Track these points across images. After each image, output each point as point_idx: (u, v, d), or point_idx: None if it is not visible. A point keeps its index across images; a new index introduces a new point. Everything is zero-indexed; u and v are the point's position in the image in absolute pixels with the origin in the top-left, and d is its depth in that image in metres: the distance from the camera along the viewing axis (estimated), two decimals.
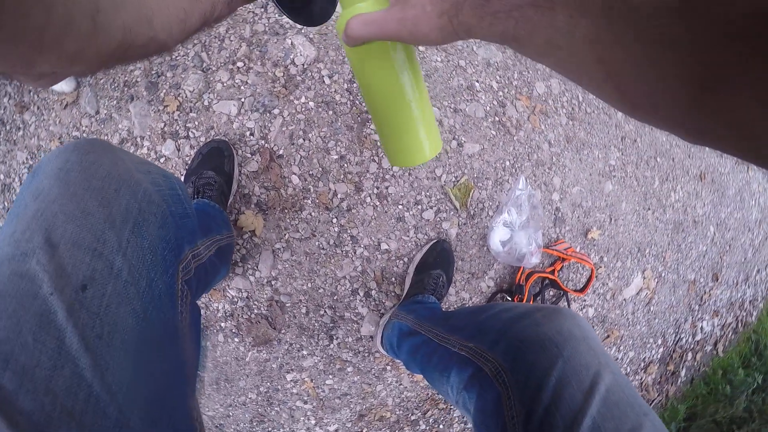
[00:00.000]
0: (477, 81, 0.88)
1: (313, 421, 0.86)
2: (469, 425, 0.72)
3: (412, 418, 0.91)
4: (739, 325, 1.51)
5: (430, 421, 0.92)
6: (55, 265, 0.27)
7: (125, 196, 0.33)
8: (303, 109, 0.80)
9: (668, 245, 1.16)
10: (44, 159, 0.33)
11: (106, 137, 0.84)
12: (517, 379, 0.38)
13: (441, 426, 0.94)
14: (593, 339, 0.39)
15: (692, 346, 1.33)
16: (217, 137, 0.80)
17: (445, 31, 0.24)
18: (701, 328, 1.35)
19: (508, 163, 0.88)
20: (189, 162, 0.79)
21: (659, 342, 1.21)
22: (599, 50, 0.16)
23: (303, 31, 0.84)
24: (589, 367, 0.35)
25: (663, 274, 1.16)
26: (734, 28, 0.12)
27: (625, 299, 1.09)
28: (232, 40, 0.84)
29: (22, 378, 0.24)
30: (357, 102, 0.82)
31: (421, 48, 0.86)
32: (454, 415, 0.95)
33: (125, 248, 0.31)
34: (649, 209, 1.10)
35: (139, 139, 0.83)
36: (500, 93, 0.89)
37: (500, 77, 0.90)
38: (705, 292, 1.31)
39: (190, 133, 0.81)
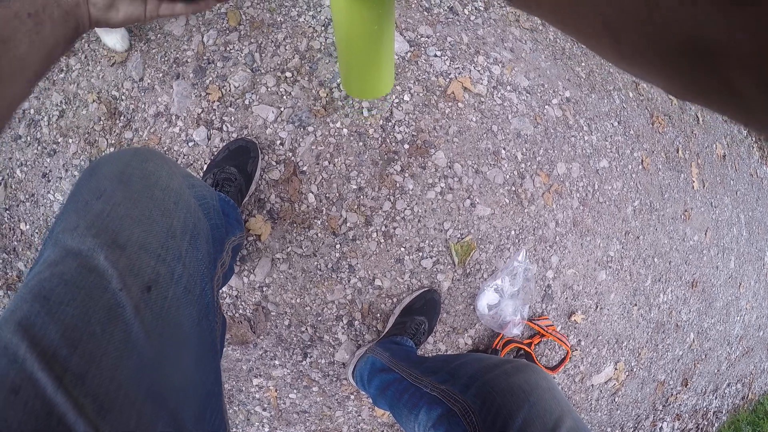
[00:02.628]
0: (504, 148, 0.91)
1: (266, 429, 0.87)
2: None
3: None
4: None
5: None
6: (124, 264, 0.29)
7: (183, 210, 0.36)
8: (336, 134, 0.84)
9: (646, 343, 1.18)
10: (102, 159, 0.36)
11: (143, 106, 0.87)
12: (485, 418, 0.40)
13: None
14: (558, 391, 0.42)
15: None
16: (248, 137, 0.82)
17: None
18: (661, 428, 1.36)
19: (513, 232, 0.92)
20: (215, 153, 0.82)
21: None
22: (597, 1, 0.16)
23: None
24: (553, 412, 0.38)
25: (635, 369, 1.18)
26: None
27: (592, 385, 1.11)
28: (286, 49, 0.87)
29: (89, 364, 0.25)
30: (388, 140, 0.85)
31: (460, 105, 0.90)
32: None
33: (184, 258, 0.34)
34: (635, 305, 1.13)
35: (173, 118, 0.86)
36: (523, 165, 0.93)
37: (526, 150, 0.94)
38: (672, 395, 1.33)
39: (224, 126, 0.84)
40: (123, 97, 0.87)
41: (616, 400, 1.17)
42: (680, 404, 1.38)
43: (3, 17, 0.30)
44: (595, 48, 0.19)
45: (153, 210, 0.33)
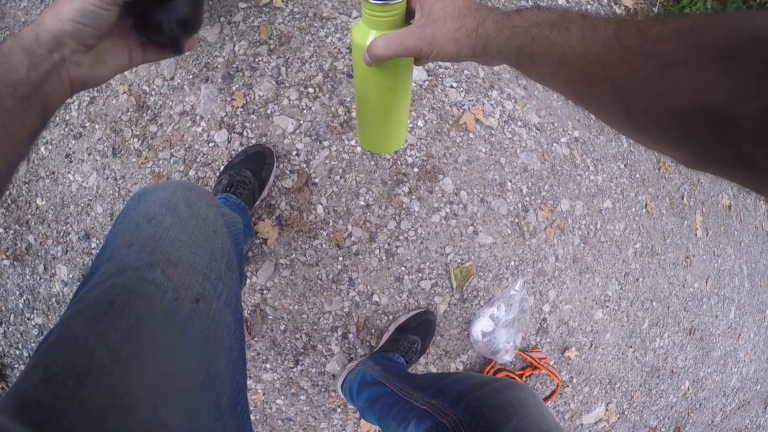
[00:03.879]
0: (510, 180, 0.94)
1: None
2: None
3: None
4: None
5: None
6: (177, 279, 0.34)
7: (220, 237, 0.42)
8: (350, 151, 0.87)
9: (639, 386, 1.17)
10: (149, 188, 0.42)
11: (170, 103, 0.92)
12: (474, 430, 0.41)
13: None
14: (546, 408, 0.44)
15: None
16: (266, 144, 0.86)
17: (461, 44, 0.27)
18: None
19: (513, 263, 0.93)
20: (233, 156, 0.86)
21: None
22: (609, 70, 0.17)
23: None
24: (541, 426, 0.40)
25: (626, 413, 1.16)
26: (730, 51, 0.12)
27: (582, 424, 1.09)
28: (311, 66, 0.92)
29: (153, 356, 0.30)
30: (399, 162, 0.88)
31: (471, 135, 0.93)
32: None
33: (224, 278, 0.39)
34: (631, 347, 1.13)
35: (198, 118, 0.90)
36: (527, 198, 0.95)
37: (532, 184, 0.96)
38: None
39: (244, 132, 0.88)
40: (152, 92, 0.92)
41: None
42: None
43: None
44: (607, 117, 0.20)
45: (198, 236, 0.39)
